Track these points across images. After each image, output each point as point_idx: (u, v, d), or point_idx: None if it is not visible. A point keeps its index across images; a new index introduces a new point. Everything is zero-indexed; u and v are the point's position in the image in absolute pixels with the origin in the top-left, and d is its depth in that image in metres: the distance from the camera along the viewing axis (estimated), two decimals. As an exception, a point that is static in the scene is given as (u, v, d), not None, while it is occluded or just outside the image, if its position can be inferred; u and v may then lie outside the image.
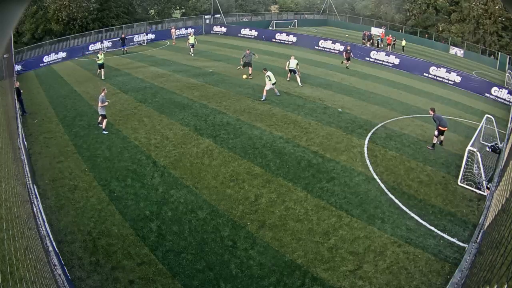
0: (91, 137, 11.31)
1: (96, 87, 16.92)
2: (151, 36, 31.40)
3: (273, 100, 14.87)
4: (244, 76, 18.14)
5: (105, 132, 11.55)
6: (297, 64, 17.05)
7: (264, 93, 14.73)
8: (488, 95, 19.77)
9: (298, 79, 17.19)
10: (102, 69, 18.47)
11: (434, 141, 11.17)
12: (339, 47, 27.87)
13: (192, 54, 24.75)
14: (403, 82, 20.07)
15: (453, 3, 45.73)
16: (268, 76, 14.65)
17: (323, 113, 13.70)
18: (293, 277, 6.01)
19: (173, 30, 31.11)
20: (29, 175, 6.92)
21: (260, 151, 10.41)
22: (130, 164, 9.62)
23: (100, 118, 11.91)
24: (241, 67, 18.56)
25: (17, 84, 13.78)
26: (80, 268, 6.04)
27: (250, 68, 18.29)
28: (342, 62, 22.64)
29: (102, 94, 11.58)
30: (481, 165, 9.17)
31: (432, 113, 11.12)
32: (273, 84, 14.80)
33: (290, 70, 17.26)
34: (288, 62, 17.39)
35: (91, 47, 27.37)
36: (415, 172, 9.68)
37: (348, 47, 23.17)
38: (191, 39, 25.12)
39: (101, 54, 18.59)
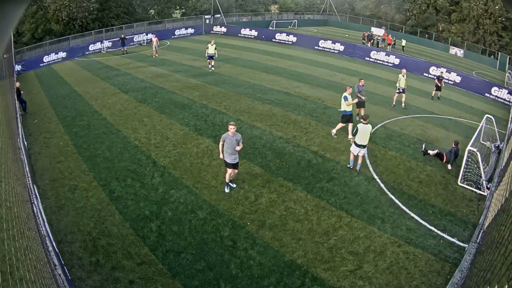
0: (91, 137, 11.31)
1: (95, 87, 16.93)
2: (151, 36, 31.41)
3: (273, 100, 14.87)
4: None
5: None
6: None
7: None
8: (488, 95, 19.78)
9: (403, 99, 15.02)
10: None
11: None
12: (339, 47, 27.89)
13: (212, 68, 19.95)
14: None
15: (453, 3, 45.78)
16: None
17: (323, 113, 13.69)
18: (293, 277, 6.01)
19: (154, 39, 24.37)
20: (29, 175, 6.92)
21: (260, 151, 10.41)
22: (130, 164, 9.61)
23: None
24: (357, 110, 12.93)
25: (17, 84, 13.80)
26: (80, 268, 6.03)
27: (362, 109, 12.72)
28: (432, 97, 17.23)
29: None
30: (481, 165, 9.17)
31: (455, 146, 10.13)
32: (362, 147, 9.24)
33: (402, 90, 14.76)
34: (399, 78, 14.68)
35: (91, 47, 27.41)
36: (415, 172, 9.68)
37: (441, 71, 17.13)
38: (211, 49, 19.20)
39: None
